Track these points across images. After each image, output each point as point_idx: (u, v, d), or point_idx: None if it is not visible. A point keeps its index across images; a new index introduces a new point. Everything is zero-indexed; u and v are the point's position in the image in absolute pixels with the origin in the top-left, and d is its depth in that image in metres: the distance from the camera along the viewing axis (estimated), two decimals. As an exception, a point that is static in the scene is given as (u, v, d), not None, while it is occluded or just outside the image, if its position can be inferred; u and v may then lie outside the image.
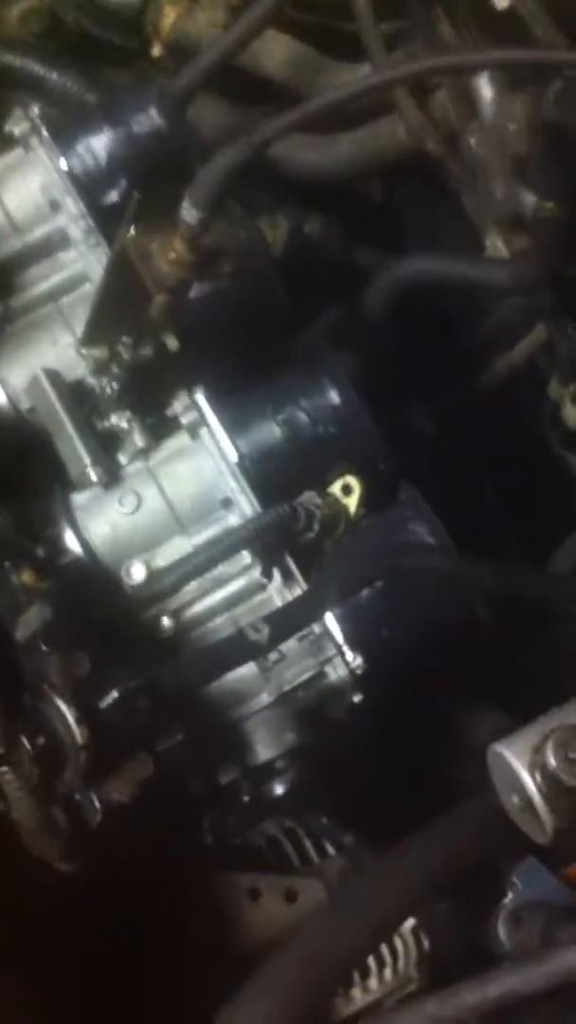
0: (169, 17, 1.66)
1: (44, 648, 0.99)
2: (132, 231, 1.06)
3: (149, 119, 1.36)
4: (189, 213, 1.04)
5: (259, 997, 0.96)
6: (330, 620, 1.15)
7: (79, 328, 1.29)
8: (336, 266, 1.62)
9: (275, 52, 1.68)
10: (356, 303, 1.52)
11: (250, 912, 1.26)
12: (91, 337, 1.19)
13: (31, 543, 1.10)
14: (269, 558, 1.18)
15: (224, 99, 1.72)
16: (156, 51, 1.69)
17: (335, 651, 1.15)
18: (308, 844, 1.36)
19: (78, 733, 0.91)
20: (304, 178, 1.67)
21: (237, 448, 1.22)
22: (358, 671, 1.15)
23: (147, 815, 1.05)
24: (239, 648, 1.06)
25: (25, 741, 0.91)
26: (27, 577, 1.03)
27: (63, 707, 0.92)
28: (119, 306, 1.14)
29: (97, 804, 0.96)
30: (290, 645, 1.15)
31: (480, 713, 1.39)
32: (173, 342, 1.20)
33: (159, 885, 1.23)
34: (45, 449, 1.26)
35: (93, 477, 1.20)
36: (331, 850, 1.36)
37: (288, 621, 1.09)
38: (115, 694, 0.95)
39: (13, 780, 0.93)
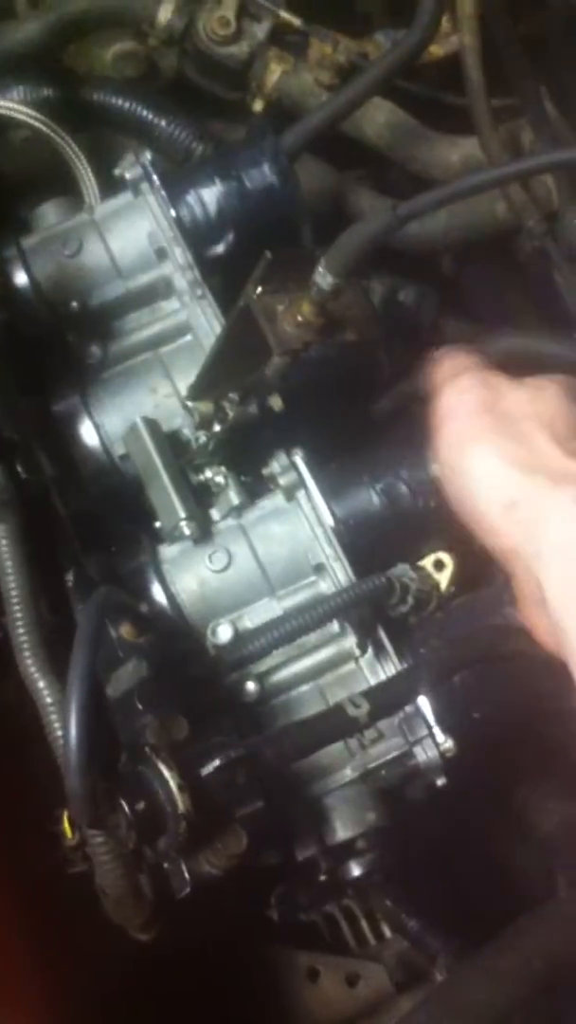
0: (275, 73, 1.65)
1: (139, 707, 0.96)
2: (259, 290, 1.04)
3: (262, 175, 1.35)
4: (323, 278, 1.02)
5: None
6: (422, 700, 1.12)
7: (178, 378, 1.27)
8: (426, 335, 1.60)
9: (377, 117, 1.67)
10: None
11: (309, 994, 1.22)
12: (199, 390, 1.17)
13: (132, 596, 1.07)
14: (364, 629, 1.15)
15: (319, 160, 1.71)
16: (257, 106, 1.68)
17: (425, 732, 1.12)
18: (365, 925, 1.33)
19: (180, 800, 0.87)
20: (395, 245, 1.65)
21: (333, 513, 1.20)
22: (448, 754, 1.11)
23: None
24: (338, 723, 1.02)
25: (125, 805, 0.87)
26: (126, 631, 0.99)
27: (166, 772, 0.88)
28: (234, 362, 1.12)
29: (187, 875, 0.92)
30: (379, 723, 1.11)
31: (547, 801, 1.36)
32: (278, 402, 1.18)
33: (217, 957, 1.19)
34: (134, 498, 1.24)
35: (186, 531, 1.17)
36: (387, 933, 1.32)
37: (389, 698, 1.05)
38: (217, 763, 0.92)
39: (103, 844, 0.89)
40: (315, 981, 1.23)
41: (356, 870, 1.11)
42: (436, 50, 1.65)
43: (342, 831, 1.11)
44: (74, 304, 1.28)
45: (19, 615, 0.99)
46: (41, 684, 0.96)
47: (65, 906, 0.98)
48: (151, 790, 0.88)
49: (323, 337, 1.07)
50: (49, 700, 0.95)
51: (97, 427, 1.26)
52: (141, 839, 0.87)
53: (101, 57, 1.74)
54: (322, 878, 1.10)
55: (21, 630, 0.98)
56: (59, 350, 1.29)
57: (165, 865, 0.93)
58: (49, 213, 1.38)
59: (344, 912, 1.34)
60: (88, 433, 1.26)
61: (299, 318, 1.04)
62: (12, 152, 1.47)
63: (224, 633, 1.16)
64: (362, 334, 1.13)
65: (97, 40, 1.73)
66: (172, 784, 0.88)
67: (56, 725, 0.94)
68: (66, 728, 0.85)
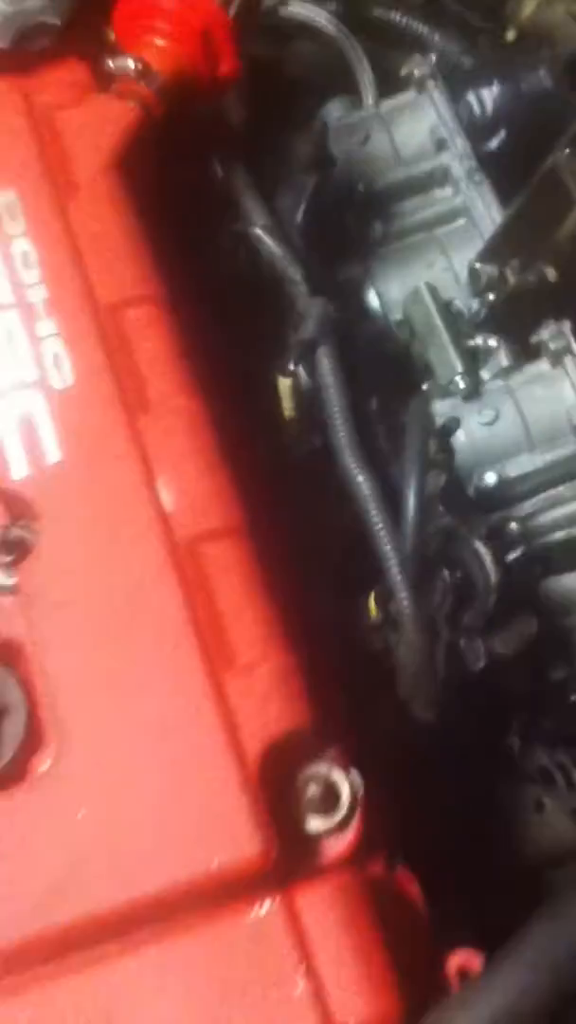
0: (529, 6, 1.77)
1: (441, 510, 1.08)
2: (567, 151, 1.16)
3: (538, 80, 1.46)
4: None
5: None
6: None
7: (453, 254, 1.39)
8: None
9: None
10: None
11: (535, 821, 1.31)
12: (490, 254, 1.28)
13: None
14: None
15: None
16: (510, 35, 1.80)
17: None
18: (576, 778, 1.41)
19: (493, 573, 0.99)
20: None
21: (598, 377, 1.30)
22: None
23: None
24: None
25: (445, 573, 0.99)
26: (431, 445, 1.11)
27: (480, 548, 1.00)
28: (528, 226, 1.23)
29: (482, 651, 1.03)
30: None
31: None
32: (553, 273, 1.29)
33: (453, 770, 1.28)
34: (401, 364, 1.36)
35: (461, 385, 1.29)
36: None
37: None
38: (522, 550, 1.03)
39: (413, 612, 1.01)
40: (541, 812, 1.32)
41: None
42: None
43: (594, 658, 1.22)
44: (360, 186, 1.41)
45: (339, 419, 1.11)
46: (360, 479, 1.08)
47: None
48: (467, 563, 1.00)
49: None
50: (367, 492, 1.07)
51: (378, 294, 1.38)
52: (456, 605, 0.99)
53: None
54: (573, 699, 1.20)
55: (341, 432, 1.11)
56: (343, 227, 1.42)
57: (461, 643, 1.04)
58: (334, 109, 1.52)
59: (560, 767, 1.43)
60: (371, 299, 1.38)
61: (603, 179, 1.15)
62: (302, 57, 1.61)
63: (490, 478, 1.28)
64: None
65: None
66: (486, 558, 0.99)
67: (373, 514, 1.06)
68: (405, 494, 0.97)
